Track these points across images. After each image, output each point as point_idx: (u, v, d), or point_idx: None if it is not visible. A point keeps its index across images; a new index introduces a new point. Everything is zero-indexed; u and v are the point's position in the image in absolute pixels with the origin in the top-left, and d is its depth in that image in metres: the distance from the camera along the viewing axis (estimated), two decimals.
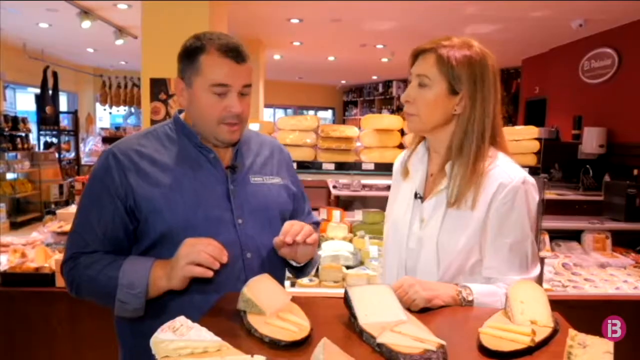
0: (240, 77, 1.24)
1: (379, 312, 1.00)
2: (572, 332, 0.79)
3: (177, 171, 1.26)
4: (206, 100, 1.23)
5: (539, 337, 0.93)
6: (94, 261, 1.23)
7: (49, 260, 2.58)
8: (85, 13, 5.81)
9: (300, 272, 1.46)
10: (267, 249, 1.33)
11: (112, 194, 1.23)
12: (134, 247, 1.29)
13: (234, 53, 1.22)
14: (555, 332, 0.97)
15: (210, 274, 1.13)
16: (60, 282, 2.46)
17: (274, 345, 0.92)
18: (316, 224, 1.54)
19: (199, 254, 1.13)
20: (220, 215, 1.27)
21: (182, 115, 1.34)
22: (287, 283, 2.50)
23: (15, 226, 7.20)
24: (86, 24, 5.90)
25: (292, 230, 1.24)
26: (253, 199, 1.32)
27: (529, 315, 1.00)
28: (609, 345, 0.76)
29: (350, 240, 2.92)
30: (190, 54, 1.24)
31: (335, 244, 2.79)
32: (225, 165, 1.31)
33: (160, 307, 1.23)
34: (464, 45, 1.26)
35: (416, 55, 1.29)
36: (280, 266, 1.41)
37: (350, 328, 1.01)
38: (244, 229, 1.29)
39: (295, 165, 1.79)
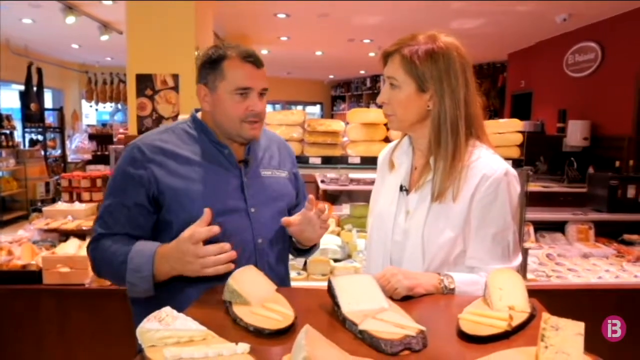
0: (260, 80, 1.35)
1: (362, 300, 1.03)
2: (545, 315, 0.81)
3: (196, 165, 1.35)
4: (230, 102, 1.33)
5: (515, 322, 0.96)
6: (112, 244, 1.30)
7: (36, 257, 2.58)
8: (69, 8, 5.74)
9: (303, 253, 1.60)
10: (277, 236, 1.43)
11: (136, 183, 1.31)
12: (162, 237, 1.32)
13: (254, 58, 1.34)
14: (532, 317, 1.01)
15: (232, 267, 1.19)
16: (47, 279, 2.46)
17: (258, 333, 0.94)
18: None
19: (206, 267, 1.19)
20: (235, 205, 1.36)
21: (199, 115, 1.43)
22: None
23: (0, 224, 7.13)
24: (70, 19, 5.83)
25: (320, 205, 1.38)
26: (264, 190, 1.42)
27: (507, 301, 1.03)
28: (580, 327, 0.78)
29: (338, 234, 2.94)
30: (213, 62, 1.33)
31: (323, 238, 2.81)
32: (239, 160, 1.40)
33: (175, 292, 1.28)
34: (428, 41, 1.27)
35: (385, 57, 1.32)
36: (287, 252, 1.53)
37: (333, 316, 1.03)
38: (256, 216, 1.38)
39: None
